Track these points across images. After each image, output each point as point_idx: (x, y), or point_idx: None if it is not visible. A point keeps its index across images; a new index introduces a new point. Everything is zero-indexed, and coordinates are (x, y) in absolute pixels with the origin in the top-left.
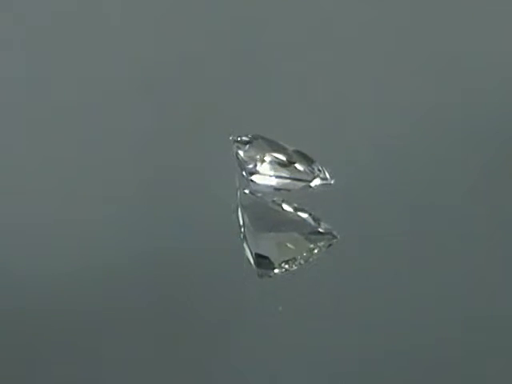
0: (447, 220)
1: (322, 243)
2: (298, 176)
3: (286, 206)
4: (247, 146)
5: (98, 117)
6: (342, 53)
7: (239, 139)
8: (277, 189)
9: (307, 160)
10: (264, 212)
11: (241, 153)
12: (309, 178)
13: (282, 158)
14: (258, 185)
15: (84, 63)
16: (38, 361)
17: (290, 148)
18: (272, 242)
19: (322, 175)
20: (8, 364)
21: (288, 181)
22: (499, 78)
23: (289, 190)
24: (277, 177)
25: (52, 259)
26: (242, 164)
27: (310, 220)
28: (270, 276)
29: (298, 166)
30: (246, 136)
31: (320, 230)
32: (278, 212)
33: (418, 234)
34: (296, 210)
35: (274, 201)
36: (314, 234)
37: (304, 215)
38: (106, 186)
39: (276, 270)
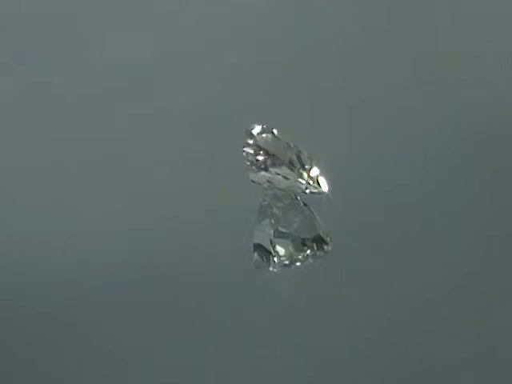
0: (444, 221)
1: (319, 251)
2: (294, 180)
3: (300, 206)
4: (254, 139)
5: (103, 114)
6: (342, 53)
7: (250, 129)
8: (272, 186)
9: (307, 165)
10: (277, 206)
11: (246, 144)
12: (304, 183)
13: (284, 158)
14: (258, 177)
15: (86, 63)
16: (37, 358)
17: (296, 149)
18: (269, 238)
19: (317, 184)
20: (7, 362)
21: (283, 181)
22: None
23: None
24: (275, 174)
25: (60, 256)
26: (246, 155)
27: (317, 224)
28: (268, 269)
29: (297, 168)
30: (258, 127)
31: (321, 236)
32: (289, 209)
33: (414, 236)
34: (308, 211)
35: (295, 197)
36: (313, 241)
37: (314, 218)
38: (109, 182)
39: (273, 264)
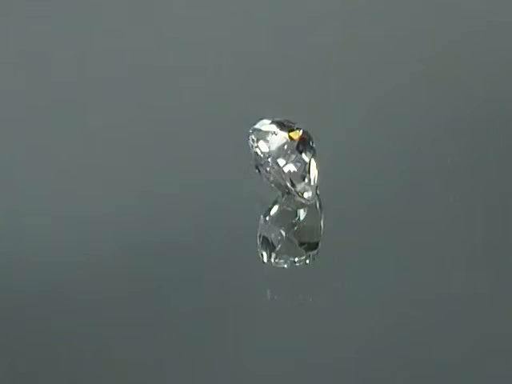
0: (444, 219)
1: (310, 256)
2: (284, 183)
3: (311, 208)
4: (261, 138)
5: (106, 112)
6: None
7: (257, 125)
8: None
9: (302, 174)
10: (286, 205)
11: (253, 140)
12: (294, 192)
13: (283, 161)
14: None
15: (85, 59)
16: (34, 354)
17: (298, 154)
18: (277, 235)
19: (304, 192)
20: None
21: (279, 184)
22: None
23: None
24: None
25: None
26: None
27: (321, 230)
28: (271, 266)
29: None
30: (268, 124)
31: (318, 242)
32: (299, 210)
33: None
34: (317, 216)
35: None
36: (310, 245)
37: (320, 223)
38: (109, 179)
39: (276, 260)
